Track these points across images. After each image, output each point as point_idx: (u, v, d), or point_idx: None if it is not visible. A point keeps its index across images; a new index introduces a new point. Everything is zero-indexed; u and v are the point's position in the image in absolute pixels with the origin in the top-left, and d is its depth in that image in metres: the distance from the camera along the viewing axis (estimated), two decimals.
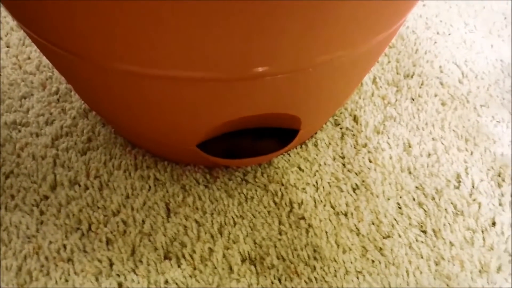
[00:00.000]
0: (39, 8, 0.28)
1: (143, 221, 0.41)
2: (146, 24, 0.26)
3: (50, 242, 0.39)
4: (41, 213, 0.41)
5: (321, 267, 0.39)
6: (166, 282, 0.37)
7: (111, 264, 0.38)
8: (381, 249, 0.40)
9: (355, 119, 0.51)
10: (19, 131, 0.48)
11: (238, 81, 0.32)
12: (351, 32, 0.31)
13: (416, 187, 0.45)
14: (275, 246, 0.40)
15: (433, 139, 0.49)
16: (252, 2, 0.24)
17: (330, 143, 0.48)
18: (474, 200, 0.43)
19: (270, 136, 0.43)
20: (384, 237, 0.41)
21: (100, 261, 0.38)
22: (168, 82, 0.31)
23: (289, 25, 0.27)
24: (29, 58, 0.56)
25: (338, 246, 0.40)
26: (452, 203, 0.43)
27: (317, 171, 0.45)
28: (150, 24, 0.26)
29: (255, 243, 0.40)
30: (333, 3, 0.27)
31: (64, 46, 0.31)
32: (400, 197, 0.44)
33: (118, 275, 0.38)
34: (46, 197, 0.42)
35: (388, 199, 0.43)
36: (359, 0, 0.28)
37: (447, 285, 0.38)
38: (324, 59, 0.32)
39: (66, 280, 0.37)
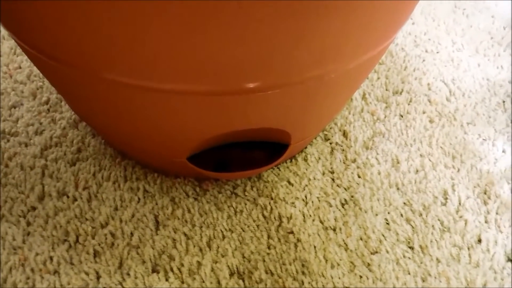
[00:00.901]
0: (28, 17, 0.28)
1: (132, 234, 0.41)
2: (137, 36, 0.26)
3: (37, 254, 0.39)
4: (28, 224, 0.41)
5: (309, 282, 0.39)
6: None
7: (98, 277, 0.38)
8: (369, 264, 0.40)
9: (344, 134, 0.51)
10: (8, 140, 0.48)
11: (228, 95, 0.32)
12: (342, 48, 0.32)
13: (404, 203, 0.45)
14: (264, 260, 0.40)
15: (421, 155, 0.50)
16: (244, 16, 0.25)
17: (319, 158, 0.48)
18: (460, 217, 0.44)
19: (260, 148, 0.43)
20: (372, 253, 0.41)
21: (87, 273, 0.38)
22: (158, 94, 0.32)
23: (280, 40, 0.27)
24: (20, 68, 0.56)
25: (326, 261, 0.40)
26: (439, 220, 0.44)
27: (306, 185, 0.46)
28: (140, 35, 0.26)
29: (243, 257, 0.40)
30: (324, 19, 0.27)
31: (53, 55, 0.31)
32: (388, 212, 0.44)
33: None
34: (34, 208, 0.42)
35: (376, 214, 0.44)
36: (350, 16, 0.28)
37: None
38: (315, 74, 0.33)
39: None
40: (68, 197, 0.43)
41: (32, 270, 0.38)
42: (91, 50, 0.28)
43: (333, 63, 0.33)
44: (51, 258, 0.39)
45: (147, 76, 0.29)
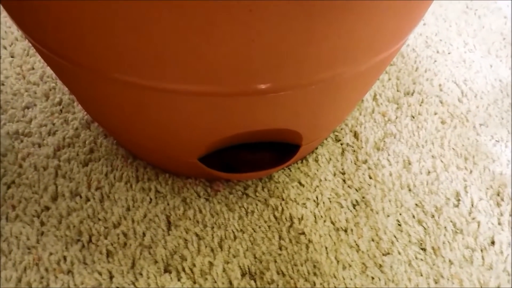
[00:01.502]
0: (42, 18, 0.28)
1: (144, 234, 0.41)
2: (148, 36, 0.26)
3: (50, 254, 0.39)
4: (42, 224, 0.41)
5: (320, 283, 0.39)
6: None
7: (111, 277, 0.38)
8: (380, 266, 0.40)
9: (355, 135, 0.51)
10: (21, 141, 0.48)
11: (240, 96, 0.32)
12: (354, 49, 0.32)
13: (416, 204, 0.45)
14: (275, 261, 0.40)
15: (432, 156, 0.49)
16: (255, 18, 0.25)
17: (330, 159, 0.48)
18: (473, 218, 0.44)
19: (269, 149, 0.43)
20: (383, 254, 0.41)
21: (100, 273, 0.38)
22: (169, 95, 0.32)
23: (292, 41, 0.27)
24: (33, 68, 0.56)
25: (338, 262, 0.40)
26: (451, 221, 0.44)
27: (317, 186, 0.46)
28: (151, 36, 0.26)
29: (255, 257, 0.40)
30: (335, 20, 0.27)
31: (65, 55, 0.31)
32: (400, 214, 0.44)
33: None
34: (47, 208, 0.42)
35: (388, 215, 0.44)
36: (361, 17, 0.28)
37: None
38: (326, 76, 0.33)
39: None
40: (81, 197, 0.43)
41: (46, 269, 0.38)
42: (102, 50, 0.28)
43: (344, 65, 0.33)
44: (64, 258, 0.39)
45: (158, 76, 0.30)
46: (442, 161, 0.49)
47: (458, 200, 0.45)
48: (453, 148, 0.50)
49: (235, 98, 0.32)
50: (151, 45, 0.27)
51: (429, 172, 0.48)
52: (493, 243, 0.42)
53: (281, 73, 0.30)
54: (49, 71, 0.56)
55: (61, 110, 0.52)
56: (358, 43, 0.31)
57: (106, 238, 0.40)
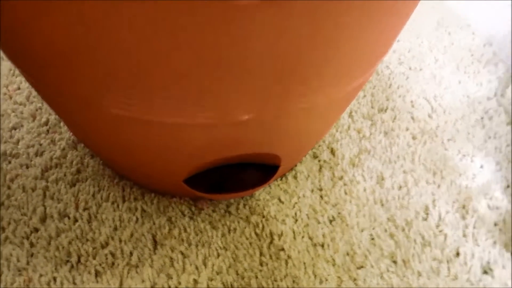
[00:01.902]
0: (26, 49, 0.30)
1: (131, 253, 0.43)
2: (137, 72, 0.28)
3: (41, 275, 0.41)
4: (32, 245, 0.43)
5: None
6: None
7: None
8: (355, 279, 0.43)
9: (332, 151, 0.54)
10: (9, 162, 0.50)
11: (224, 126, 0.35)
12: (332, 80, 0.34)
13: (388, 219, 0.48)
14: (256, 277, 0.42)
15: (404, 172, 0.53)
16: (241, 59, 0.27)
17: (309, 175, 0.51)
18: (440, 231, 0.47)
19: (253, 167, 0.45)
20: (358, 268, 0.44)
21: None
22: (156, 125, 0.34)
23: (275, 77, 0.30)
24: (19, 89, 0.58)
25: (315, 276, 0.43)
26: (420, 234, 0.47)
27: (296, 203, 0.48)
28: (140, 72, 0.28)
29: (237, 274, 0.43)
30: (310, 57, 0.30)
31: (52, 84, 0.33)
32: (373, 228, 0.47)
33: None
34: (36, 230, 0.44)
35: (362, 230, 0.47)
36: (340, 50, 0.31)
37: None
38: (306, 105, 0.35)
39: None
40: (69, 218, 0.45)
41: None
42: (90, 83, 0.30)
43: (323, 94, 0.35)
44: (54, 279, 0.41)
45: (146, 109, 0.32)
46: (412, 176, 0.52)
47: (427, 213, 0.49)
48: (423, 163, 0.54)
49: (220, 128, 0.35)
50: (140, 80, 0.29)
51: (400, 187, 0.51)
52: (458, 254, 0.45)
53: (264, 105, 0.33)
54: (35, 91, 0.57)
55: (47, 131, 0.53)
56: (335, 74, 0.34)
57: (94, 258, 0.42)
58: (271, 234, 0.45)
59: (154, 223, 0.45)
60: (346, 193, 0.50)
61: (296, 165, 0.52)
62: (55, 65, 0.30)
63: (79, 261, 0.42)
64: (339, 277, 0.43)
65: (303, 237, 0.46)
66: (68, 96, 0.34)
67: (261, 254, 0.44)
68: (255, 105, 0.33)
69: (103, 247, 0.43)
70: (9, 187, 0.47)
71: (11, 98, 0.56)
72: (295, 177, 0.51)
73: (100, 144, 0.43)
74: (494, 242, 0.47)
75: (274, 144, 0.41)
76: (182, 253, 0.43)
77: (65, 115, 0.41)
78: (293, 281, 0.42)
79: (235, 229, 0.46)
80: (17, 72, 0.59)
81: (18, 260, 0.42)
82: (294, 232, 0.46)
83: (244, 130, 0.36)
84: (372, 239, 0.46)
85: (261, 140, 0.39)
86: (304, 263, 0.44)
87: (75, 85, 0.31)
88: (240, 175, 0.45)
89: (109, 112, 0.33)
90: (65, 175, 0.49)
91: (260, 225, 0.46)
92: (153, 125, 0.34)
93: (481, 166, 0.54)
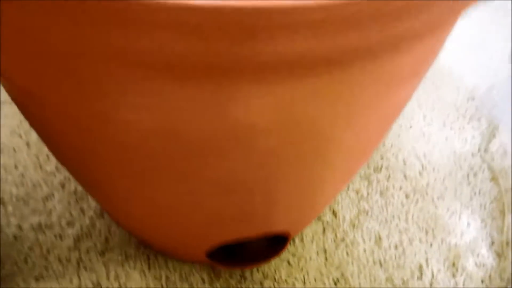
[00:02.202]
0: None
1: None
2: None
3: None
4: None
5: None
6: None
7: None
8: None
9: (334, 213, 0.60)
10: (44, 233, 0.55)
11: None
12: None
13: (386, 279, 0.54)
14: None
15: (399, 231, 0.59)
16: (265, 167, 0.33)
17: (313, 238, 0.57)
18: None
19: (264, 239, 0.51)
20: None
21: None
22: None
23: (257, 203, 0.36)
24: (48, 158, 0.63)
25: None
26: None
27: (303, 266, 0.54)
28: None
29: None
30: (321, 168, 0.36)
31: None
32: None
33: None
34: None
35: None
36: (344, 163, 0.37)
37: None
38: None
39: None
40: None
41: None
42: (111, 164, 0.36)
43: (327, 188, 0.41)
44: None
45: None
46: (407, 235, 0.58)
47: (421, 272, 0.55)
48: (416, 222, 0.60)
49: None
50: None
51: (396, 246, 0.57)
52: None
53: (250, 226, 0.39)
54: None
55: (76, 200, 0.59)
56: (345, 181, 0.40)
57: None
58: None
59: None
60: (347, 254, 0.56)
61: None
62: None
63: None
64: None
65: None
66: (108, 191, 0.40)
67: None
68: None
69: None
70: (46, 259, 0.53)
71: (41, 167, 0.62)
72: (301, 240, 0.57)
73: (123, 220, 0.48)
74: None
75: (285, 224, 0.47)
76: None
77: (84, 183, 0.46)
78: None
79: None
80: None
81: None
82: None
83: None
84: None
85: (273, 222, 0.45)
86: None
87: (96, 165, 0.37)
88: (254, 246, 0.50)
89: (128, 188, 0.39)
90: (95, 245, 0.54)
91: None
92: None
93: (468, 224, 0.60)
